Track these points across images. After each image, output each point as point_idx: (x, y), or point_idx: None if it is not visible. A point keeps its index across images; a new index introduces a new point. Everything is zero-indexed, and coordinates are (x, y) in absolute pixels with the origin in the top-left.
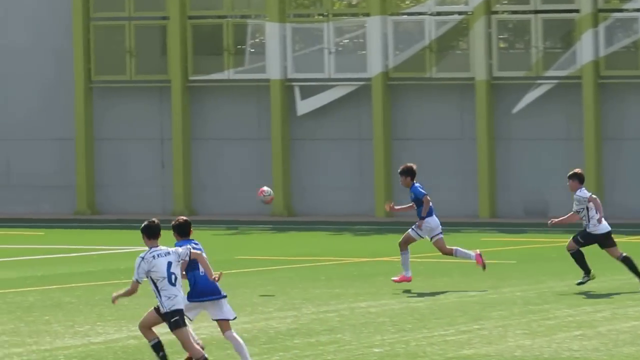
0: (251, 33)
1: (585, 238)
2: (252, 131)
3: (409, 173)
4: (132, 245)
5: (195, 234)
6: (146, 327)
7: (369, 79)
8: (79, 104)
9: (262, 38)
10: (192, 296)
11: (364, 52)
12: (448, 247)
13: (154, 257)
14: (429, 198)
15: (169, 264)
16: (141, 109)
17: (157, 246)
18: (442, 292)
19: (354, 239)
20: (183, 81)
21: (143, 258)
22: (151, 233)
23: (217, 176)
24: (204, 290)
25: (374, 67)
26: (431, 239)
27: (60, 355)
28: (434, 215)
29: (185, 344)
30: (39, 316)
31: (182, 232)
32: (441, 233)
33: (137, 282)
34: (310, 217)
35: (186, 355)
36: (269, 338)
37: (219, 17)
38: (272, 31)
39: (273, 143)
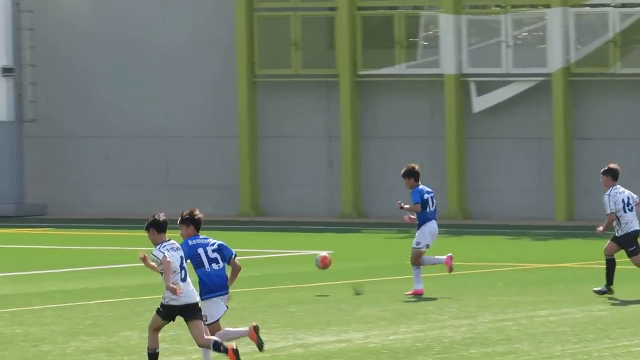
0: (424, 25)
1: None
2: (424, 129)
3: (411, 175)
4: (298, 248)
5: (364, 237)
6: (154, 331)
7: (549, 75)
8: (242, 99)
9: (435, 30)
10: (205, 293)
11: (543, 45)
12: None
13: (167, 250)
14: (419, 207)
15: (182, 259)
16: (307, 105)
17: (167, 240)
18: (627, 300)
19: (533, 244)
20: (352, 76)
21: (164, 253)
22: (161, 228)
23: (387, 176)
24: (214, 286)
25: (555, 62)
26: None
27: None
28: (433, 221)
29: (150, 329)
30: None
31: (199, 227)
32: (427, 245)
33: (164, 257)
34: (486, 220)
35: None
36: (443, 347)
37: (390, 7)
38: (446, 23)
39: (447, 142)
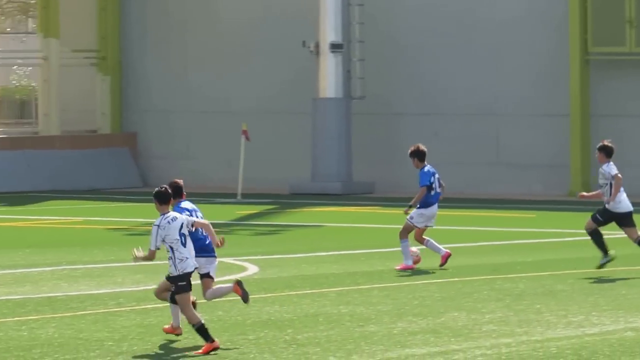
0: None
1: (605, 215)
2: None
3: (416, 155)
4: None
5: None
6: (161, 291)
7: None
8: (574, 77)
9: None
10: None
11: None
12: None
13: (168, 222)
14: (425, 190)
15: (181, 226)
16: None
17: (168, 212)
18: None
19: None
20: None
21: (159, 225)
22: (162, 199)
23: None
24: (200, 248)
25: None
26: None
27: (552, 347)
28: (435, 205)
29: (185, 308)
30: (530, 304)
31: (176, 194)
32: (432, 225)
33: (155, 250)
34: None
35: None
36: None
37: None
38: None
39: None
